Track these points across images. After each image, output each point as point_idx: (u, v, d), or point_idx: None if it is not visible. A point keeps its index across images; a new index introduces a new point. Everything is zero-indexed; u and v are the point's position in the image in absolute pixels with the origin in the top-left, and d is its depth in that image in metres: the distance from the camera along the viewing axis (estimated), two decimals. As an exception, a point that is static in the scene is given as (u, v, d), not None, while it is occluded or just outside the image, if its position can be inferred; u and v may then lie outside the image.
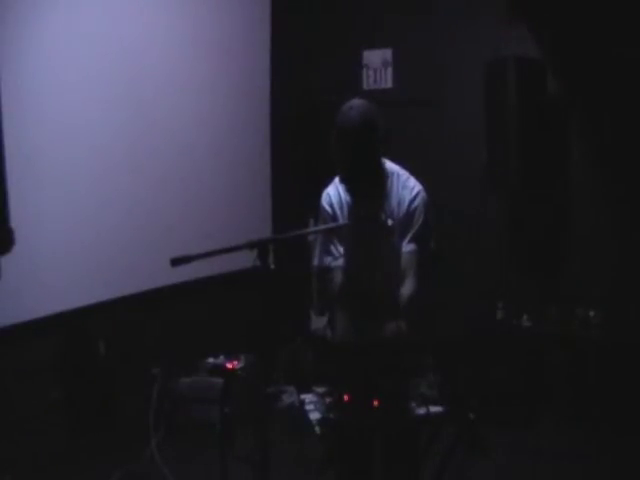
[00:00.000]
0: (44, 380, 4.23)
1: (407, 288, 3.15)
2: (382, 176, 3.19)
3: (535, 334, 5.09)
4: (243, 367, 4.64)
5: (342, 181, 3.17)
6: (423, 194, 3.21)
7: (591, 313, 4.99)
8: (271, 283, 2.72)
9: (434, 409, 2.87)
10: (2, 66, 3.77)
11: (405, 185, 3.20)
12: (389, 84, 5.84)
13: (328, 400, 2.92)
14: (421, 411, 2.85)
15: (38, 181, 4.14)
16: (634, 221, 4.98)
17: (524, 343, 5.06)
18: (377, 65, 5.86)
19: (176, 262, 2.75)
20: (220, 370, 4.70)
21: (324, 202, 3.29)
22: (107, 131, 4.57)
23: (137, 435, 4.42)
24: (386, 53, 5.81)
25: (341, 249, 3.27)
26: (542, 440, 4.67)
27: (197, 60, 5.25)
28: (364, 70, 5.90)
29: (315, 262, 3.32)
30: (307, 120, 5.86)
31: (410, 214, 3.17)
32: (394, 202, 3.18)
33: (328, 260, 3.28)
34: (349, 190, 3.20)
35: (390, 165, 3.24)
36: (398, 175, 3.22)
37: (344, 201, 3.25)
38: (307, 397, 3.01)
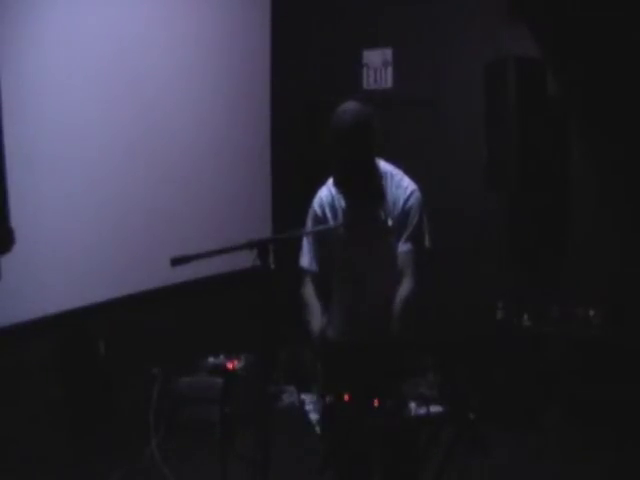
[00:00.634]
0: (44, 380, 4.23)
1: (405, 288, 3.15)
2: (377, 177, 3.19)
3: (535, 334, 5.09)
4: (243, 367, 4.63)
5: (336, 183, 3.18)
6: (417, 193, 3.21)
7: (591, 313, 5.00)
8: (271, 283, 2.72)
9: (434, 409, 2.87)
10: (2, 66, 3.77)
11: (399, 185, 3.20)
12: (389, 84, 5.84)
13: (328, 400, 2.92)
14: (421, 411, 2.85)
15: (38, 181, 4.14)
16: (634, 221, 4.98)
17: (524, 343, 5.06)
18: (377, 65, 5.86)
19: (176, 262, 2.75)
20: (220, 370, 4.69)
21: (315, 204, 3.30)
22: (107, 131, 4.57)
23: (137, 435, 4.42)
24: (386, 53, 5.81)
25: (319, 255, 3.28)
26: (542, 440, 4.67)
27: (197, 60, 5.25)
28: (364, 70, 5.90)
29: (302, 263, 3.33)
30: (307, 120, 5.87)
31: (405, 214, 3.17)
32: (389, 202, 3.18)
33: (305, 262, 3.29)
34: (343, 192, 3.20)
35: (384, 165, 3.24)
36: (392, 175, 3.22)
37: (336, 203, 3.25)
38: (307, 397, 3.00)
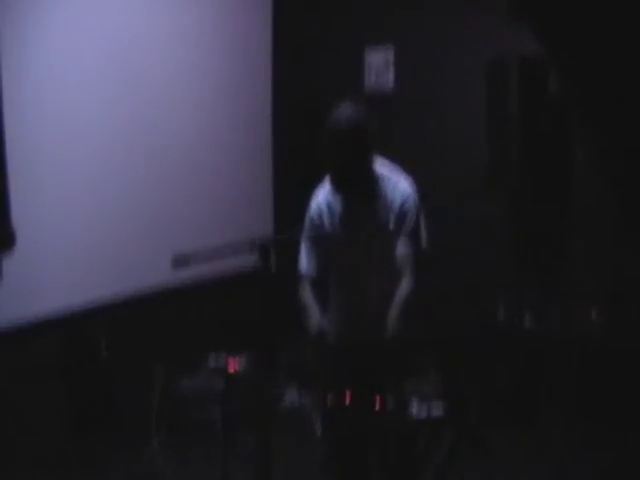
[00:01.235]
0: (45, 380, 4.23)
1: (403, 288, 3.15)
2: (374, 178, 3.19)
3: (536, 334, 5.09)
4: (244, 367, 4.63)
5: (333, 184, 3.18)
6: (414, 195, 3.22)
7: (593, 313, 4.99)
8: (272, 283, 2.72)
9: (435, 409, 2.87)
10: (3, 66, 3.77)
11: (396, 186, 3.20)
12: (390, 84, 5.83)
13: (329, 401, 2.92)
14: (421, 412, 2.85)
15: (38, 181, 4.14)
16: (636, 221, 4.98)
17: (525, 343, 5.06)
18: (379, 65, 5.85)
19: (177, 262, 2.75)
20: (221, 370, 4.69)
21: (312, 207, 3.30)
22: (107, 131, 4.57)
23: (138, 435, 4.42)
24: (388, 53, 5.80)
25: (317, 259, 3.28)
26: (542, 440, 4.66)
27: (198, 60, 5.25)
28: (365, 70, 5.90)
29: (300, 267, 3.33)
30: (309, 119, 5.86)
31: (402, 214, 3.17)
32: (386, 203, 3.18)
33: (304, 267, 3.30)
34: (340, 193, 3.20)
35: (381, 167, 3.23)
36: (389, 176, 3.22)
37: (333, 204, 3.25)
38: (308, 398, 3.00)
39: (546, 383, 5.03)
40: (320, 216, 3.27)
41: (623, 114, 4.94)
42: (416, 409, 2.86)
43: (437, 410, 2.87)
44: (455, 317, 5.27)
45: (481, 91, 5.10)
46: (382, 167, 3.24)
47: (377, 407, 2.84)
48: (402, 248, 3.16)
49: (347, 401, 2.87)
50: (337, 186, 3.15)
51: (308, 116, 5.80)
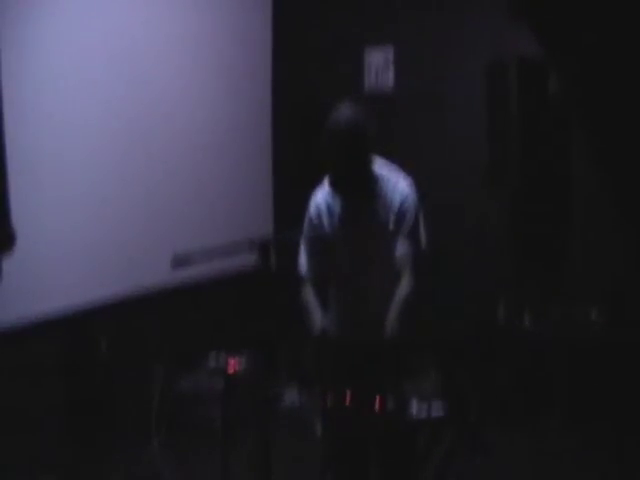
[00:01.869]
0: (45, 380, 4.23)
1: (403, 288, 3.16)
2: (373, 179, 3.19)
3: (536, 334, 5.09)
4: (244, 367, 4.63)
5: (332, 184, 3.18)
6: (413, 194, 3.22)
7: (592, 313, 4.99)
8: (272, 283, 2.72)
9: (434, 409, 2.87)
10: (3, 67, 3.77)
11: (395, 186, 3.21)
12: (390, 83, 5.84)
13: (328, 401, 2.92)
14: (421, 411, 2.85)
15: (38, 181, 4.14)
16: (635, 221, 4.98)
17: (525, 343, 5.06)
18: (378, 64, 5.85)
19: (176, 262, 2.75)
20: (221, 370, 4.69)
21: (311, 208, 3.30)
22: (107, 131, 4.57)
23: (138, 435, 4.43)
24: (388, 52, 5.80)
25: (316, 259, 3.28)
26: (542, 440, 4.66)
27: (198, 60, 5.25)
28: (365, 69, 5.90)
29: (300, 267, 3.33)
30: (308, 119, 5.85)
31: (401, 214, 3.18)
32: (386, 204, 3.18)
33: (304, 268, 3.30)
34: (339, 193, 3.20)
35: (381, 167, 3.24)
36: (388, 176, 3.22)
37: (332, 205, 3.25)
38: (308, 397, 3.00)
39: (545, 383, 5.03)
40: (319, 216, 3.27)
41: (622, 114, 4.94)
42: (416, 409, 2.86)
43: (437, 410, 2.87)
44: (455, 317, 5.27)
45: (481, 91, 5.10)
46: (381, 167, 3.25)
47: (377, 407, 2.84)
48: (401, 248, 3.17)
49: (347, 401, 2.87)
50: (336, 187, 3.16)
51: (308, 116, 5.80)
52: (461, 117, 5.52)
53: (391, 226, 3.17)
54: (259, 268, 2.72)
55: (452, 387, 3.12)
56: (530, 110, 4.92)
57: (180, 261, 2.75)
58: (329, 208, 3.26)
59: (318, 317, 3.23)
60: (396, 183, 3.21)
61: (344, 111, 3.08)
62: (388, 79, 5.84)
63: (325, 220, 3.25)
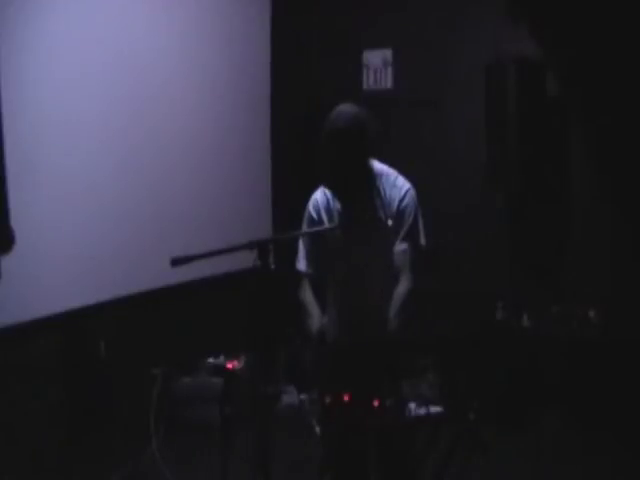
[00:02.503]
0: (44, 380, 4.23)
1: (402, 286, 3.16)
2: (371, 178, 3.19)
3: (535, 334, 5.09)
4: (243, 367, 4.63)
5: (329, 186, 3.18)
6: (412, 192, 3.22)
7: (591, 313, 4.99)
8: (271, 283, 2.72)
9: (434, 409, 2.87)
10: (2, 66, 3.77)
11: (394, 185, 3.21)
12: (389, 84, 5.84)
13: (327, 400, 2.92)
14: (421, 411, 2.86)
15: (38, 181, 4.14)
16: (634, 221, 4.98)
17: (524, 343, 5.06)
18: (377, 65, 5.86)
19: (176, 263, 2.75)
20: (220, 370, 4.69)
21: (310, 207, 3.30)
22: (107, 131, 4.57)
23: (137, 435, 4.42)
24: (386, 53, 5.81)
25: (315, 257, 3.29)
26: (542, 440, 4.67)
27: (197, 60, 5.25)
28: (364, 70, 5.90)
29: (299, 266, 3.34)
30: (307, 120, 5.86)
31: (400, 213, 3.18)
32: (385, 203, 3.19)
33: (302, 266, 3.30)
34: (335, 193, 3.20)
35: (378, 166, 3.24)
36: (387, 175, 3.23)
37: (331, 205, 3.26)
38: (307, 397, 3.01)
39: (545, 383, 5.04)
40: (319, 215, 3.27)
41: (621, 114, 4.95)
42: (414, 410, 2.86)
43: (436, 410, 2.88)
44: (454, 317, 5.27)
45: (480, 92, 5.11)
46: (380, 166, 3.25)
47: (376, 407, 2.84)
48: (401, 246, 3.17)
49: (346, 401, 2.88)
50: (332, 185, 3.16)
51: (307, 118, 5.82)
52: (460, 118, 5.52)
53: (390, 224, 3.17)
54: (258, 268, 2.72)
55: (451, 387, 3.12)
56: (529, 110, 4.93)
57: (179, 261, 2.75)
58: (328, 207, 3.26)
59: (316, 316, 3.24)
60: (394, 181, 3.22)
61: (344, 109, 3.09)
62: (387, 80, 5.85)
63: (324, 219, 3.25)
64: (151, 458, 4.30)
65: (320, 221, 3.26)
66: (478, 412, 3.23)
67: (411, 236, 3.19)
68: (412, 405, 2.87)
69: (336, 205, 3.25)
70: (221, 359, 4.81)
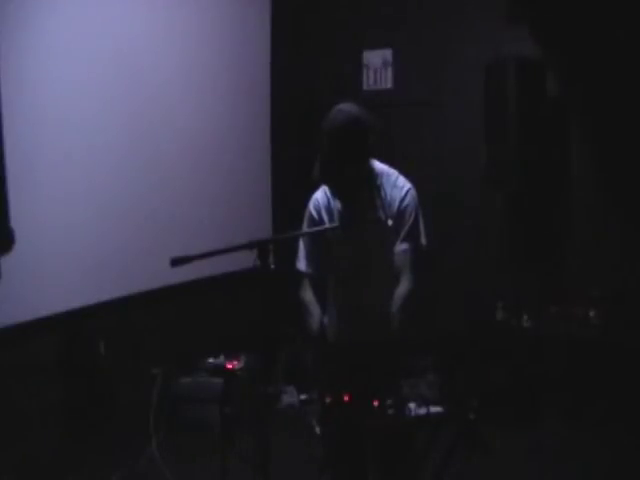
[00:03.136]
0: (44, 380, 4.23)
1: (403, 286, 3.15)
2: (371, 178, 3.19)
3: (535, 334, 5.10)
4: (243, 367, 4.64)
5: (330, 185, 3.18)
6: (412, 192, 3.22)
7: (591, 313, 5.00)
8: (271, 283, 2.72)
9: (434, 409, 2.87)
10: (2, 66, 3.77)
11: (395, 184, 3.21)
12: (389, 84, 5.84)
13: (327, 400, 2.92)
14: (421, 411, 2.85)
15: (38, 181, 4.14)
16: (634, 221, 4.98)
17: (524, 343, 5.06)
18: (377, 65, 5.86)
19: (176, 262, 2.75)
20: (220, 370, 4.70)
21: (311, 207, 3.30)
22: (107, 131, 4.57)
23: (137, 435, 4.42)
24: (386, 53, 5.81)
25: (315, 257, 3.28)
26: (542, 440, 4.67)
27: (197, 61, 5.26)
28: (364, 70, 5.91)
29: (299, 266, 3.34)
30: (307, 120, 5.86)
31: (401, 213, 3.17)
32: (385, 202, 3.18)
33: (302, 265, 3.30)
34: (337, 194, 3.20)
35: (379, 166, 3.24)
36: (388, 175, 3.22)
37: (332, 205, 3.25)
38: (306, 397, 3.01)
39: (545, 383, 5.04)
40: (319, 215, 3.27)
41: (621, 114, 4.95)
42: (414, 410, 2.86)
43: (436, 410, 2.88)
44: (454, 317, 5.28)
45: (480, 92, 5.11)
46: (380, 166, 3.25)
47: (375, 407, 2.84)
48: (401, 246, 3.17)
49: (346, 400, 2.88)
50: (335, 185, 3.16)
51: (307, 117, 5.82)
52: (460, 118, 5.52)
53: (391, 223, 3.17)
54: (258, 268, 2.72)
55: (451, 387, 3.12)
56: (529, 110, 4.93)
57: (179, 261, 2.75)
58: (329, 207, 3.26)
59: (317, 316, 3.23)
60: (395, 181, 3.21)
61: (343, 109, 3.09)
62: (387, 80, 5.85)
63: (325, 218, 3.25)
64: (151, 458, 4.30)
65: (321, 221, 3.26)
66: (478, 412, 3.23)
67: (412, 236, 3.18)
68: (412, 405, 2.87)
69: (337, 205, 3.25)
70: (221, 359, 4.82)
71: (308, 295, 3.26)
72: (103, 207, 4.55)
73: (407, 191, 3.20)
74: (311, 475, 3.42)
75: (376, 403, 2.83)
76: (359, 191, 3.18)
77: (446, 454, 3.35)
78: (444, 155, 5.57)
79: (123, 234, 4.67)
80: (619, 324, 4.92)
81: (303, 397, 3.02)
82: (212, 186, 5.38)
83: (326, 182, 3.19)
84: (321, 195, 3.29)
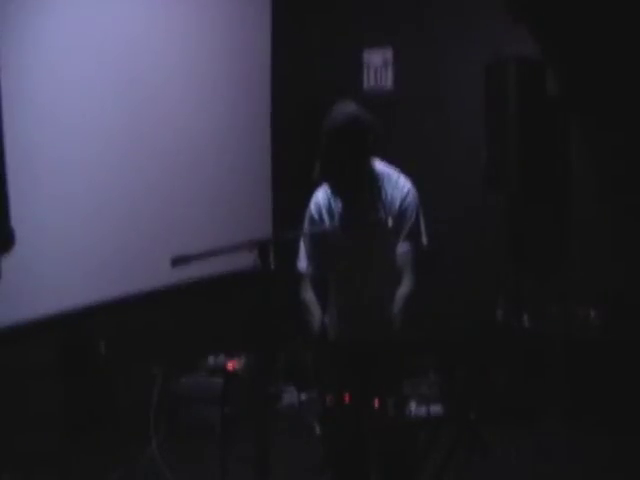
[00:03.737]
0: (43, 380, 4.23)
1: (405, 286, 3.16)
2: (371, 178, 3.19)
3: (535, 334, 5.09)
4: (243, 367, 4.63)
5: (330, 185, 3.17)
6: (413, 192, 3.22)
7: (591, 313, 5.00)
8: (271, 283, 2.72)
9: (434, 409, 2.87)
10: (2, 66, 3.77)
11: (396, 185, 3.21)
12: (389, 84, 5.84)
13: (328, 400, 2.92)
14: (421, 411, 2.85)
15: (38, 181, 4.14)
16: (634, 221, 4.98)
17: (524, 343, 5.06)
18: (377, 65, 5.86)
19: (176, 262, 2.75)
20: (220, 370, 4.69)
21: (311, 207, 3.30)
22: (107, 131, 4.57)
23: (137, 435, 4.42)
24: (387, 53, 5.81)
25: (316, 257, 3.28)
26: (542, 440, 4.67)
27: (197, 61, 5.26)
28: (364, 70, 5.90)
29: (299, 266, 3.33)
30: (307, 120, 5.86)
31: (402, 213, 3.18)
32: (386, 203, 3.18)
33: (302, 266, 3.30)
34: (338, 194, 3.20)
35: (380, 166, 3.24)
36: (389, 175, 3.22)
37: (333, 205, 3.25)
38: (307, 397, 3.00)
39: (545, 383, 5.04)
40: (320, 215, 3.27)
41: (621, 114, 4.95)
42: (415, 410, 2.86)
43: (436, 410, 2.87)
44: (454, 317, 5.27)
45: (480, 92, 5.11)
46: (381, 166, 3.25)
47: (376, 407, 2.84)
48: (402, 246, 3.17)
49: (346, 401, 2.87)
50: (329, 184, 3.16)
51: (307, 117, 5.81)
52: (460, 118, 5.52)
53: (392, 224, 3.16)
54: (258, 268, 2.72)
55: (451, 387, 3.11)
56: (529, 110, 4.93)
57: (179, 261, 2.75)
58: (330, 207, 3.26)
59: (317, 316, 3.23)
60: (396, 181, 3.21)
61: (344, 108, 3.09)
62: (387, 80, 5.85)
63: (326, 219, 3.25)
64: (151, 458, 4.30)
65: (321, 221, 3.26)
66: (478, 412, 3.23)
67: (413, 236, 3.18)
68: (412, 405, 2.87)
69: (338, 205, 3.25)
70: (221, 359, 4.81)
71: (309, 295, 3.27)
72: (103, 207, 4.55)
73: (407, 191, 3.20)
74: (311, 475, 3.42)
75: (377, 403, 2.83)
76: (360, 191, 3.18)
77: (446, 454, 3.35)
78: (444, 155, 5.56)
79: (123, 234, 4.67)
80: (619, 324, 4.92)
81: (303, 397, 3.01)
82: (212, 186, 5.38)
83: (326, 182, 3.20)
84: (322, 195, 3.29)
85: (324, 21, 5.97)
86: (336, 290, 3.35)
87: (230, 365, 4.64)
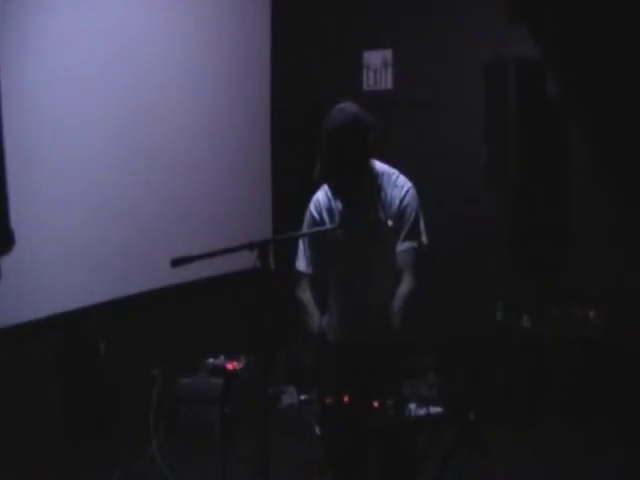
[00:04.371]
0: (43, 380, 4.23)
1: (405, 285, 3.15)
2: (371, 178, 3.19)
3: (535, 334, 5.09)
4: (243, 367, 4.64)
5: (330, 185, 3.18)
6: (413, 191, 3.22)
7: (591, 313, 5.00)
8: (271, 283, 2.72)
9: (434, 410, 2.87)
10: (2, 66, 3.77)
11: (395, 184, 3.21)
12: (389, 85, 5.84)
13: (327, 401, 2.92)
14: (421, 412, 2.86)
15: (38, 181, 4.14)
16: (634, 221, 4.98)
17: (524, 343, 5.06)
18: (377, 66, 5.86)
19: (176, 263, 2.75)
20: (220, 370, 4.70)
21: (311, 207, 3.30)
22: (107, 131, 4.57)
23: (137, 435, 4.43)
24: (386, 54, 5.81)
25: (315, 257, 3.28)
26: (542, 440, 4.67)
27: (197, 60, 5.25)
28: (364, 71, 5.90)
29: (299, 266, 3.33)
30: (307, 120, 5.86)
31: (402, 212, 3.17)
32: (386, 202, 3.18)
33: (302, 265, 3.30)
34: (337, 193, 3.20)
35: (379, 165, 3.24)
36: (388, 175, 3.22)
37: (333, 205, 3.25)
38: (306, 398, 3.01)
39: (545, 383, 5.04)
40: (320, 215, 3.27)
41: (621, 114, 4.95)
42: (414, 411, 2.86)
43: (436, 410, 2.88)
44: (454, 317, 5.27)
45: (479, 92, 5.11)
46: (381, 166, 3.25)
47: (376, 407, 2.84)
48: (402, 246, 3.17)
49: (346, 401, 2.88)
50: (335, 185, 3.16)
51: (306, 117, 5.80)
52: (460, 118, 5.52)
53: (391, 224, 3.16)
54: (258, 269, 2.72)
55: (451, 387, 3.12)
56: (528, 110, 4.93)
57: (179, 262, 2.75)
58: (330, 207, 3.26)
59: (316, 316, 3.23)
60: (396, 181, 3.21)
61: (344, 108, 3.09)
62: (387, 80, 5.85)
63: (326, 219, 3.25)
64: (151, 458, 4.30)
65: (321, 221, 3.26)
66: (478, 412, 3.23)
67: (412, 236, 3.18)
68: (412, 405, 2.87)
69: (338, 205, 3.25)
70: (221, 359, 4.82)
71: (306, 295, 3.26)
72: (103, 207, 4.55)
73: (407, 191, 3.20)
74: (311, 475, 3.43)
75: (376, 404, 2.83)
76: (359, 191, 3.18)
77: (446, 454, 3.35)
78: (444, 155, 5.56)
79: (123, 234, 4.67)
80: (619, 324, 4.92)
81: (303, 397, 3.02)
82: (212, 186, 5.38)
83: (326, 182, 3.19)
84: (322, 195, 3.29)
85: (324, 22, 5.97)
86: (336, 290, 3.34)
87: (230, 366, 4.65)
